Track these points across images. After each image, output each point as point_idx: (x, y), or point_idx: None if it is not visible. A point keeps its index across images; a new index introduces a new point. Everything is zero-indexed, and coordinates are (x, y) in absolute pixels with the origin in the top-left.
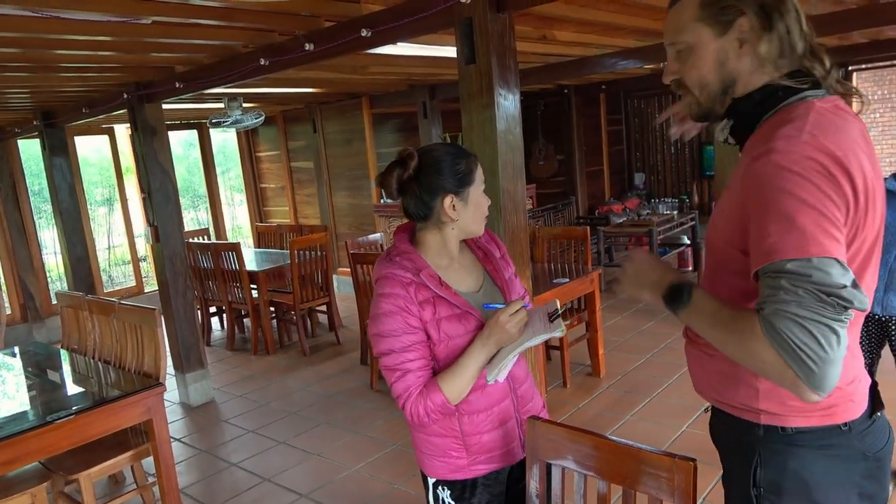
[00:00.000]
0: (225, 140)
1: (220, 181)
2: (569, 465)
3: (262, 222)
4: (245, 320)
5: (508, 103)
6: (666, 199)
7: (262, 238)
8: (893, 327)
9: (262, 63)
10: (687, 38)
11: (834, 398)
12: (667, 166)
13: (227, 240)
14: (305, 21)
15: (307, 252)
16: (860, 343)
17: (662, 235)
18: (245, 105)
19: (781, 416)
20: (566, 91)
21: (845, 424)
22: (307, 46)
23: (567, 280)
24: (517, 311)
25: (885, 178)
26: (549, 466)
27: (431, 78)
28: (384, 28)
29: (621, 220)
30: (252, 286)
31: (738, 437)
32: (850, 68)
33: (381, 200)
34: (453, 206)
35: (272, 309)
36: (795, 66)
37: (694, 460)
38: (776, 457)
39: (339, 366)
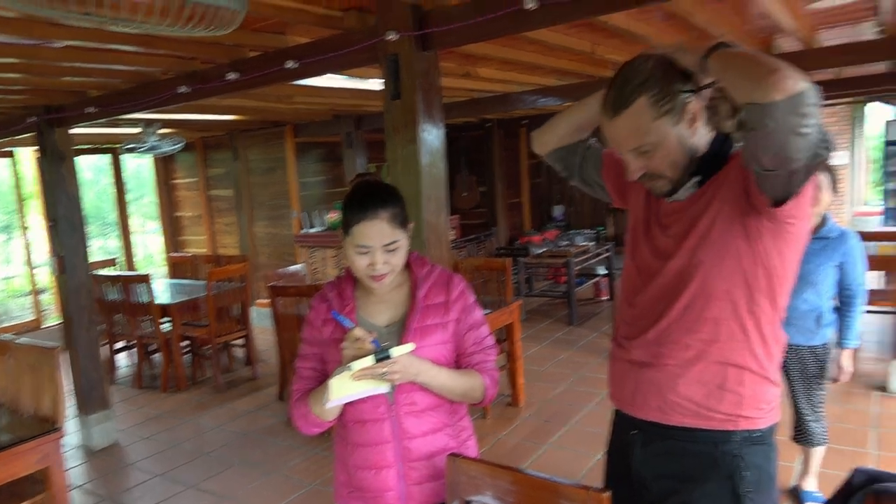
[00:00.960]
0: (139, 165)
1: (132, 208)
2: (489, 501)
3: (176, 252)
4: (155, 356)
5: (432, 138)
6: (583, 231)
7: (177, 268)
8: (787, 355)
9: (182, 91)
10: (653, 138)
11: (776, 400)
12: (584, 199)
13: (137, 269)
14: (229, 50)
15: (225, 283)
16: None
17: (580, 266)
18: (162, 131)
19: (755, 419)
20: (489, 125)
21: (776, 424)
22: (230, 76)
23: (488, 311)
24: (358, 339)
25: None
26: None
27: (357, 109)
28: (310, 60)
29: (541, 251)
30: (164, 319)
31: (711, 451)
32: None
33: (303, 230)
34: (342, 243)
35: (185, 343)
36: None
37: (607, 491)
38: (753, 458)
39: (256, 402)
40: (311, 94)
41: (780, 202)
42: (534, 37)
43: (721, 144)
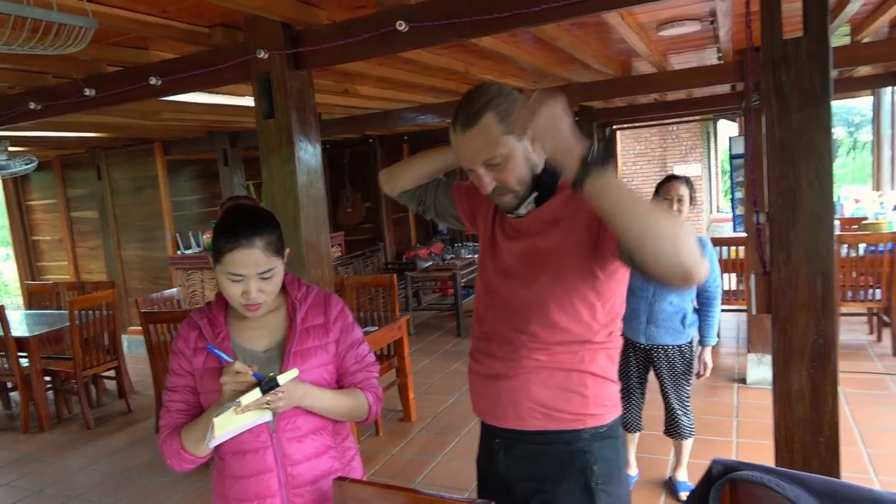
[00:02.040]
0: None
1: None
2: None
3: (34, 280)
4: (13, 394)
5: (309, 157)
6: (468, 244)
7: (35, 298)
8: (655, 355)
9: (33, 107)
10: (501, 151)
11: (617, 396)
12: None
13: None
14: (84, 65)
15: (91, 312)
16: (630, 370)
17: (466, 278)
18: (12, 149)
19: (600, 416)
20: (371, 140)
21: (619, 418)
22: (87, 92)
23: (376, 328)
24: (239, 373)
25: None
26: None
27: (232, 125)
28: (175, 77)
29: (427, 265)
30: (21, 354)
31: (566, 449)
32: (613, 127)
33: (179, 252)
34: (213, 269)
35: (47, 379)
36: None
37: (491, 503)
38: (601, 451)
39: (131, 437)
40: (181, 110)
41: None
42: (409, 56)
43: (552, 175)
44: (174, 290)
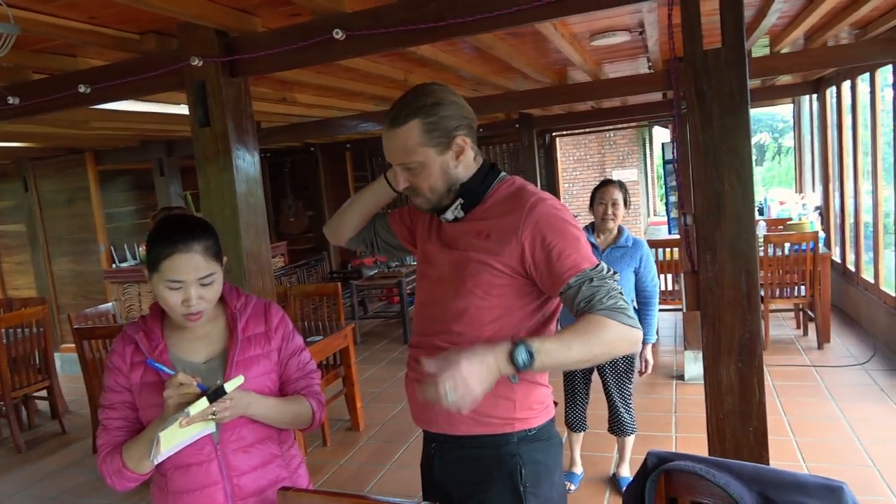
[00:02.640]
0: None
1: None
2: None
3: None
4: None
5: (247, 165)
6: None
7: None
8: None
9: None
10: (417, 158)
11: (547, 399)
12: None
13: None
14: (7, 72)
15: (20, 330)
16: (574, 371)
17: (411, 285)
18: None
19: (529, 419)
20: (313, 149)
21: (552, 419)
22: (11, 100)
23: (321, 337)
24: (182, 384)
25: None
26: None
27: (167, 134)
28: (106, 85)
29: (373, 273)
30: None
31: (495, 453)
32: (553, 134)
33: (114, 265)
34: (148, 281)
35: None
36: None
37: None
38: (530, 454)
39: (66, 459)
40: (112, 118)
41: None
42: (348, 65)
43: (486, 175)
44: (109, 304)
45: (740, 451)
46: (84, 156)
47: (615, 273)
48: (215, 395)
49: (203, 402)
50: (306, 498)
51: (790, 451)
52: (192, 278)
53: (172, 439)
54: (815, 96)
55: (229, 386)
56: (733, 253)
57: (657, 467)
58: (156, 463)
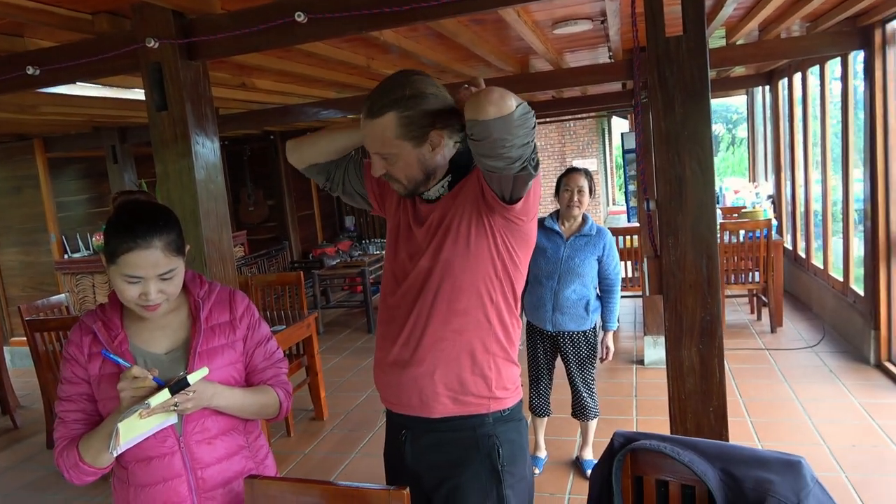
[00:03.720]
0: None
1: None
2: None
3: None
4: None
5: (207, 151)
6: (376, 240)
7: None
8: (562, 341)
9: None
10: (392, 151)
11: (518, 380)
12: None
13: None
14: None
15: None
16: (538, 356)
17: (374, 274)
18: None
19: (503, 399)
20: (272, 137)
21: (521, 401)
22: None
23: (283, 327)
24: (137, 377)
25: (544, 218)
26: None
27: (121, 120)
28: (55, 67)
29: (335, 262)
30: None
31: (472, 435)
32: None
33: (66, 255)
34: (106, 269)
35: None
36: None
37: (406, 488)
38: (505, 434)
39: (19, 455)
40: (62, 103)
41: (509, 201)
42: (309, 49)
43: (469, 157)
44: (62, 295)
45: (701, 431)
46: (33, 143)
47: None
48: (178, 386)
49: (165, 394)
50: (274, 486)
51: (746, 431)
52: (152, 274)
53: (132, 431)
54: (767, 88)
55: (192, 378)
56: (695, 237)
57: (623, 447)
58: (115, 455)
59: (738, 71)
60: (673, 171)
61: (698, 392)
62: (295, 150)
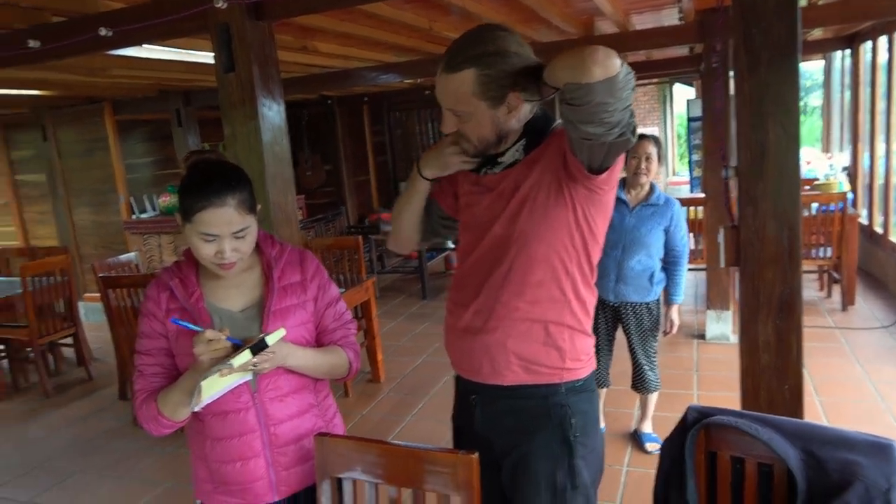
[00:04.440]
0: None
1: None
2: (359, 476)
3: None
4: None
5: (273, 114)
6: None
7: None
8: (624, 312)
9: None
10: (467, 108)
11: (592, 350)
12: None
13: None
14: (26, 14)
15: (44, 279)
16: (598, 327)
17: None
18: None
19: (576, 370)
20: (330, 102)
21: (594, 371)
22: (31, 43)
23: (343, 290)
24: (212, 340)
25: None
26: (339, 482)
27: (186, 83)
28: (127, 28)
29: (390, 228)
30: None
31: (543, 403)
32: None
33: (134, 216)
34: (181, 228)
35: (1, 347)
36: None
37: (475, 453)
38: (577, 404)
39: (94, 404)
40: (131, 66)
41: (595, 171)
42: (371, 10)
43: (545, 122)
44: (132, 254)
45: (775, 408)
46: (102, 105)
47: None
48: (257, 347)
49: (246, 355)
50: (343, 444)
51: (814, 410)
52: (226, 232)
53: (212, 388)
54: (848, 52)
55: (271, 339)
56: (776, 208)
57: (698, 422)
58: (195, 410)
59: (816, 34)
60: (755, 137)
61: (773, 368)
62: (397, 245)
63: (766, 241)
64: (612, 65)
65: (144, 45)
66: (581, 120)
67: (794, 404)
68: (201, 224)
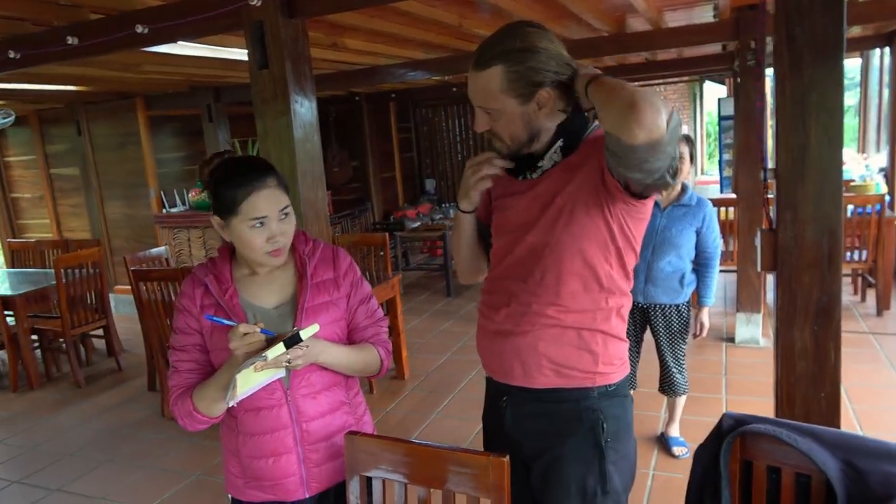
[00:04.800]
0: None
1: None
2: (388, 476)
3: (15, 237)
4: (0, 353)
5: (305, 111)
6: (455, 203)
7: (18, 256)
8: (653, 313)
9: (12, 56)
10: (496, 105)
11: (626, 355)
12: (455, 172)
13: None
14: (65, 11)
15: (76, 271)
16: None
17: None
18: None
19: (609, 374)
20: (357, 98)
21: (627, 376)
22: (70, 40)
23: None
24: (247, 334)
25: None
26: (369, 480)
27: (216, 80)
28: (163, 25)
29: (416, 225)
30: (7, 313)
31: (575, 407)
32: None
33: (164, 210)
34: (221, 227)
35: (34, 337)
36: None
37: (506, 455)
38: (610, 409)
39: (123, 395)
40: (164, 62)
41: (637, 196)
42: (402, 8)
43: (581, 123)
44: (162, 248)
45: (810, 417)
46: (135, 101)
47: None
48: (291, 340)
49: (280, 348)
50: (373, 443)
51: (847, 418)
52: (274, 212)
53: (246, 383)
54: (887, 50)
55: (305, 333)
56: (817, 212)
57: (733, 429)
58: (230, 405)
59: (854, 31)
60: (796, 140)
61: (809, 376)
62: (467, 278)
63: (804, 246)
64: (658, 127)
65: (178, 42)
66: (621, 165)
67: (831, 413)
68: (251, 210)
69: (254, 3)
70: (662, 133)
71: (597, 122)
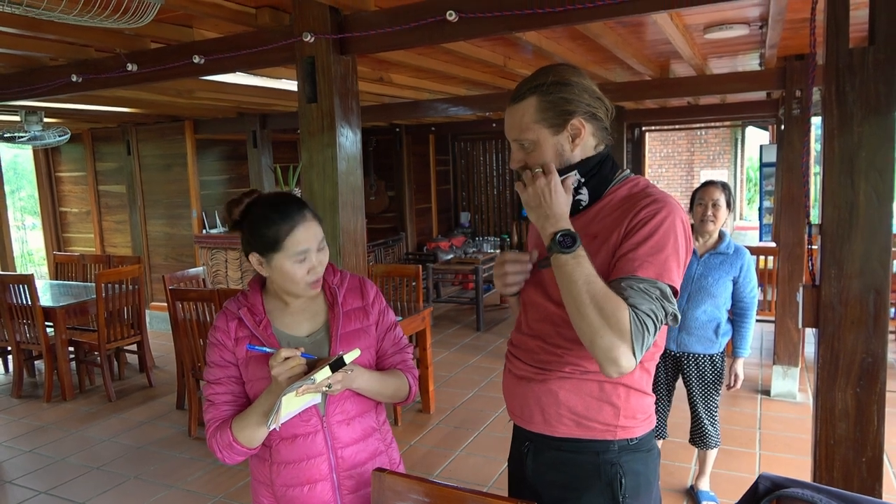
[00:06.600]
0: (17, 156)
1: (8, 202)
2: None
3: (60, 250)
4: (37, 363)
5: (350, 144)
6: (489, 238)
7: (62, 269)
8: (686, 363)
9: (75, 80)
10: (530, 137)
11: (651, 409)
12: (489, 206)
13: (14, 268)
14: (128, 39)
15: (117, 286)
16: (658, 376)
17: (487, 273)
18: (46, 120)
19: (631, 428)
20: (398, 129)
21: (652, 430)
22: (130, 67)
23: (400, 318)
24: (287, 358)
25: None
26: None
27: (263, 107)
28: (219, 57)
29: (449, 257)
30: (47, 324)
31: (594, 460)
32: (643, 128)
33: (204, 231)
34: (260, 264)
35: (71, 349)
36: (606, 138)
37: (533, 503)
38: (630, 464)
39: (152, 412)
40: (215, 89)
41: None
42: (450, 47)
43: (612, 165)
44: (199, 268)
45: (850, 482)
46: (184, 124)
47: (675, 316)
48: (337, 364)
49: (326, 371)
50: (400, 482)
51: (888, 484)
52: (314, 244)
53: (289, 406)
54: None
55: (349, 357)
56: (864, 270)
57: (770, 492)
58: (272, 429)
59: None
60: (844, 196)
61: (850, 439)
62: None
63: (849, 304)
64: (626, 363)
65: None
66: None
67: (873, 479)
68: (294, 244)
69: (307, 39)
70: (633, 364)
71: (627, 171)
